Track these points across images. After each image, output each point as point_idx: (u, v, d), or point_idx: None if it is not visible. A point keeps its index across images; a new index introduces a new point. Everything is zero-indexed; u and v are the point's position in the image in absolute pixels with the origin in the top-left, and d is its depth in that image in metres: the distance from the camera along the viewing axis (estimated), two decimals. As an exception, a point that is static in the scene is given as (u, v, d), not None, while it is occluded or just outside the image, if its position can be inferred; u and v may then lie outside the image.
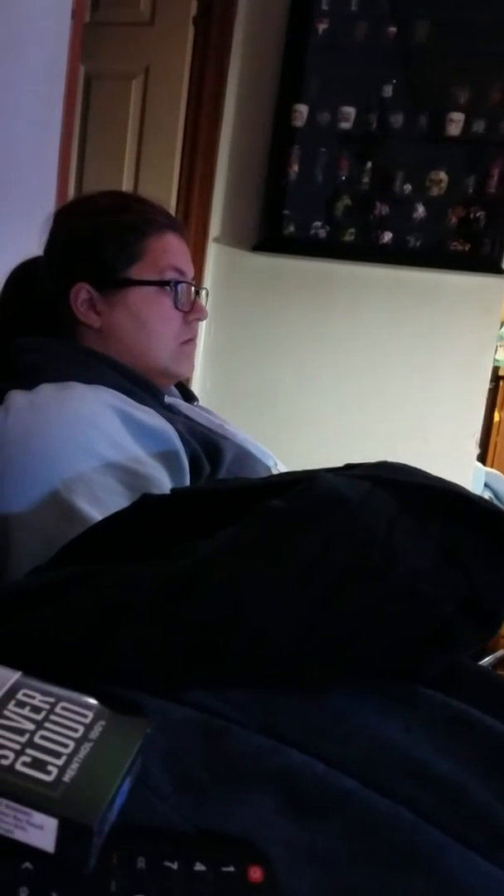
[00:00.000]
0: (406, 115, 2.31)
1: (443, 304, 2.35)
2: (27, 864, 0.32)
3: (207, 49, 2.42)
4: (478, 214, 2.27)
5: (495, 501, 2.39)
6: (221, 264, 2.52)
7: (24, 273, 1.00)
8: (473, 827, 0.39)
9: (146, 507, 0.56)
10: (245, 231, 2.48)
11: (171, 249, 0.93)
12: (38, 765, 0.34)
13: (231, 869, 0.33)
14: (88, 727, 0.38)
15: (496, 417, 3.71)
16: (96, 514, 0.67)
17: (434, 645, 0.47)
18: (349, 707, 0.44)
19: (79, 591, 0.46)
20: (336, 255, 2.41)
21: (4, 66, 1.50)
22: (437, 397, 2.39)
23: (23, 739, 0.36)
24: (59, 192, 1.71)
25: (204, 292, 0.99)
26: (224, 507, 0.54)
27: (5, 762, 0.34)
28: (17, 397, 0.78)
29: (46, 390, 0.79)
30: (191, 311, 0.94)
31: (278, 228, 2.42)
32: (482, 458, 3.06)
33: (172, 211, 1.03)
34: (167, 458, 0.80)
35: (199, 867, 0.33)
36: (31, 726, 0.37)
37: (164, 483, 0.77)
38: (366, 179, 2.36)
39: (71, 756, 0.35)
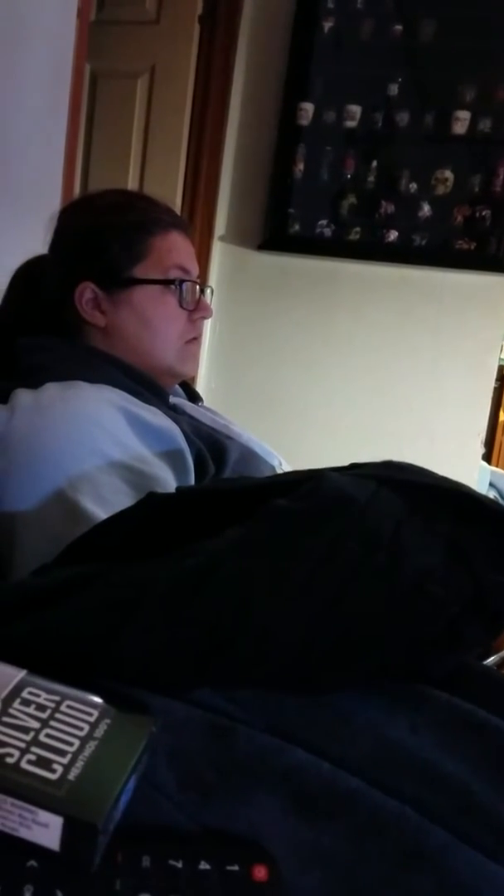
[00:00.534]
0: (412, 113, 2.31)
1: (448, 303, 2.35)
2: (32, 862, 0.32)
3: (213, 48, 2.42)
4: (483, 213, 2.26)
5: (500, 501, 2.38)
6: (226, 263, 2.52)
7: (29, 272, 1.00)
8: (479, 827, 0.39)
9: (151, 505, 0.56)
10: (250, 230, 2.48)
11: (176, 248, 0.93)
12: (44, 763, 0.34)
13: (235, 868, 0.33)
14: (93, 726, 0.38)
15: (501, 417, 3.70)
16: (101, 513, 0.67)
17: (441, 645, 0.47)
18: (355, 707, 0.44)
19: (86, 591, 0.46)
20: (341, 253, 2.41)
21: (10, 65, 1.50)
22: (442, 396, 2.39)
23: (28, 738, 0.36)
24: (64, 190, 1.71)
25: (209, 291, 0.99)
26: (229, 507, 0.54)
27: (10, 760, 0.34)
28: (22, 396, 0.79)
29: (51, 390, 0.79)
30: (196, 310, 0.94)
31: (284, 227, 2.42)
32: (487, 458, 3.06)
33: (177, 210, 1.03)
34: (172, 458, 0.80)
35: (204, 866, 0.33)
36: (36, 724, 0.37)
37: (169, 483, 0.77)
38: (371, 178, 2.36)
39: (76, 754, 0.35)
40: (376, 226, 2.36)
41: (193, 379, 2.19)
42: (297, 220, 2.42)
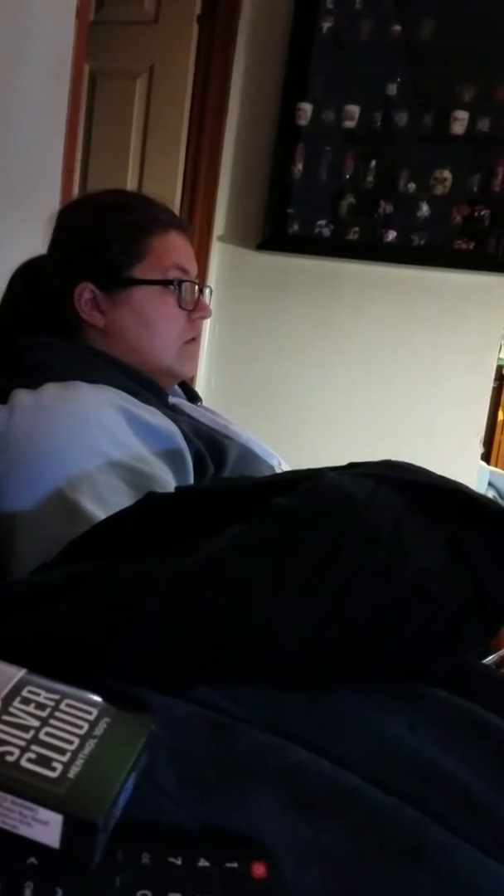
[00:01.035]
0: (411, 113, 2.31)
1: (447, 303, 2.35)
2: (32, 860, 0.33)
3: (212, 47, 2.42)
4: (482, 213, 2.27)
5: (499, 500, 2.39)
6: (226, 263, 2.52)
7: (29, 272, 1.00)
8: (479, 825, 0.39)
9: (151, 505, 0.56)
10: (249, 230, 2.48)
11: (175, 248, 0.93)
12: (43, 761, 0.34)
13: (235, 865, 0.34)
14: (93, 724, 0.38)
15: (500, 416, 3.71)
16: (101, 513, 0.67)
17: (440, 644, 0.47)
18: (355, 705, 0.44)
19: (86, 590, 0.46)
20: (340, 253, 2.41)
21: (9, 65, 1.50)
22: (441, 395, 2.39)
23: (28, 736, 0.36)
24: (63, 190, 1.71)
25: (208, 291, 0.99)
26: (228, 506, 0.54)
27: (10, 759, 0.34)
28: (21, 396, 0.79)
29: (51, 390, 0.79)
30: (195, 310, 0.94)
31: (283, 227, 2.42)
32: (486, 458, 3.06)
33: (176, 209, 1.03)
34: (172, 458, 0.80)
35: (203, 863, 0.33)
36: (35, 723, 0.37)
37: (168, 482, 0.77)
38: (370, 178, 2.36)
39: (76, 753, 0.35)
40: (375, 225, 2.36)
41: (193, 379, 2.19)
42: (296, 220, 2.42)
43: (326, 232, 2.41)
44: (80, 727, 0.37)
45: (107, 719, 0.38)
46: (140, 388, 0.87)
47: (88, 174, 2.54)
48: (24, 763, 0.34)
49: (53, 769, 0.34)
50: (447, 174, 2.29)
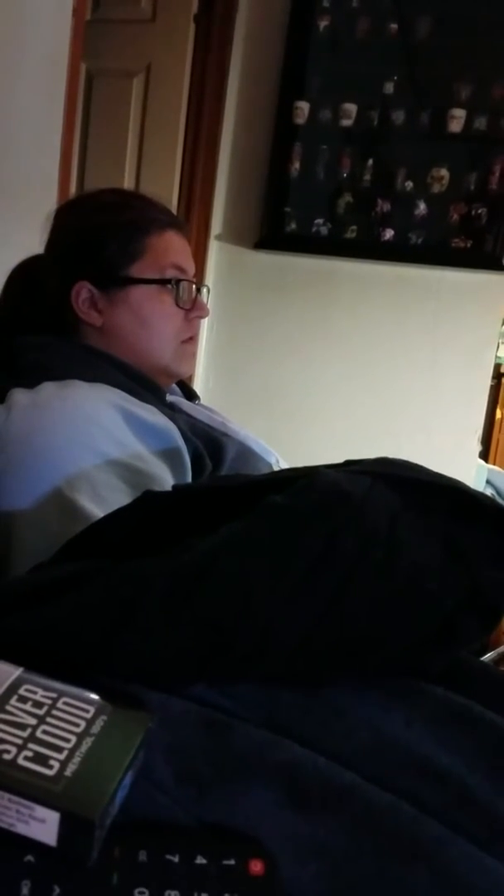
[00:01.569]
0: (408, 111, 2.31)
1: (445, 302, 2.35)
2: (29, 857, 0.33)
3: (209, 46, 2.42)
4: (479, 211, 2.27)
5: (497, 499, 2.39)
6: (223, 262, 2.52)
7: (26, 271, 1.00)
8: (474, 820, 0.39)
9: (148, 503, 0.56)
10: (247, 228, 2.48)
11: (173, 247, 0.93)
12: (41, 759, 0.35)
13: (232, 862, 0.34)
14: (90, 722, 0.38)
15: (498, 414, 3.71)
16: (99, 511, 0.67)
17: (437, 641, 0.47)
18: (350, 702, 0.44)
19: (84, 588, 0.46)
20: (338, 252, 2.41)
21: (5, 64, 1.50)
22: (439, 393, 2.39)
23: (25, 734, 0.36)
24: (60, 189, 1.71)
25: (205, 290, 0.99)
26: (225, 504, 0.54)
27: (7, 757, 0.34)
28: (18, 396, 0.79)
29: (48, 389, 0.79)
30: (192, 309, 0.94)
31: (280, 226, 2.42)
32: (484, 456, 3.06)
33: (174, 209, 1.03)
34: (170, 456, 0.80)
35: (201, 860, 0.34)
36: (32, 721, 0.37)
37: (166, 481, 0.77)
38: (367, 177, 2.36)
39: (73, 751, 0.35)
40: (372, 224, 2.36)
41: (191, 378, 2.19)
42: (294, 219, 2.42)
43: (324, 231, 2.41)
44: (77, 725, 0.37)
45: (104, 717, 0.38)
46: (138, 386, 0.87)
47: (85, 173, 2.53)
48: (21, 761, 0.34)
49: (50, 767, 0.34)
50: (444, 172, 2.29)
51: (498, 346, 2.58)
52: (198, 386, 2.40)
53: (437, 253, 2.32)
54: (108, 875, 0.33)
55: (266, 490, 0.51)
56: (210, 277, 2.48)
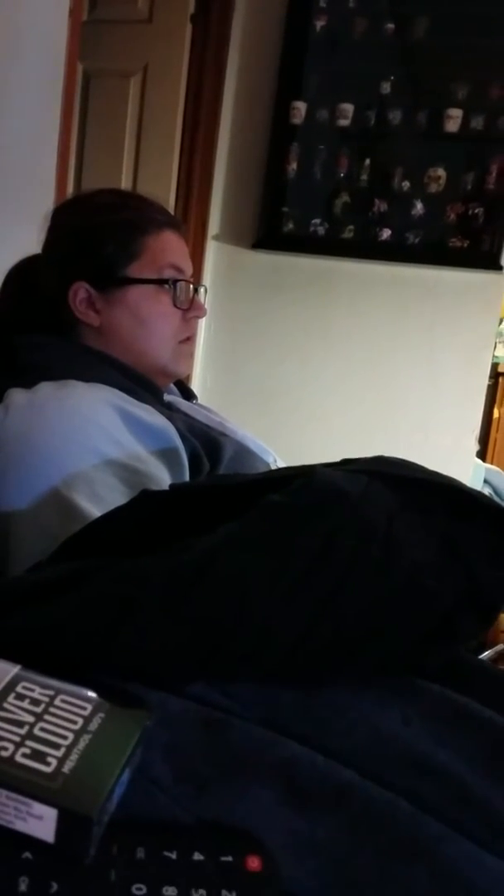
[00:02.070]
0: (405, 111, 2.31)
1: (442, 301, 2.36)
2: (27, 854, 0.33)
3: (206, 46, 2.43)
4: (476, 211, 2.27)
5: (495, 497, 2.39)
6: (221, 262, 2.52)
7: (23, 271, 1.00)
8: (473, 818, 0.39)
9: (146, 502, 0.56)
10: (244, 228, 2.48)
11: (170, 247, 0.93)
12: (38, 756, 0.35)
13: (229, 858, 0.34)
14: (87, 719, 0.38)
15: (496, 414, 3.71)
16: (96, 511, 0.67)
17: (435, 638, 0.47)
18: (349, 700, 0.44)
19: (82, 587, 0.47)
20: (335, 252, 2.42)
21: (2, 65, 1.50)
22: (437, 394, 2.39)
23: (22, 731, 0.36)
24: (57, 190, 1.71)
25: (203, 290, 0.99)
26: (222, 503, 0.54)
27: (5, 754, 0.34)
28: (16, 396, 0.79)
29: (46, 389, 0.79)
30: (190, 309, 0.95)
31: (277, 226, 2.43)
32: (482, 455, 3.06)
33: (171, 209, 1.03)
34: (167, 456, 0.80)
35: (198, 857, 0.34)
36: (30, 718, 0.37)
37: (164, 480, 0.77)
38: (364, 176, 2.36)
39: (70, 748, 0.35)
40: (370, 224, 2.37)
41: (189, 378, 2.19)
42: (291, 219, 2.42)
43: (321, 230, 2.41)
44: (75, 723, 0.37)
45: (101, 715, 0.38)
46: (136, 386, 0.87)
47: (83, 174, 2.53)
48: (18, 758, 0.34)
49: (48, 764, 0.34)
50: (441, 172, 2.29)
51: (495, 346, 2.58)
52: (195, 386, 2.40)
53: (434, 252, 2.33)
54: (105, 871, 0.33)
55: (264, 489, 0.51)
56: (208, 277, 2.48)
